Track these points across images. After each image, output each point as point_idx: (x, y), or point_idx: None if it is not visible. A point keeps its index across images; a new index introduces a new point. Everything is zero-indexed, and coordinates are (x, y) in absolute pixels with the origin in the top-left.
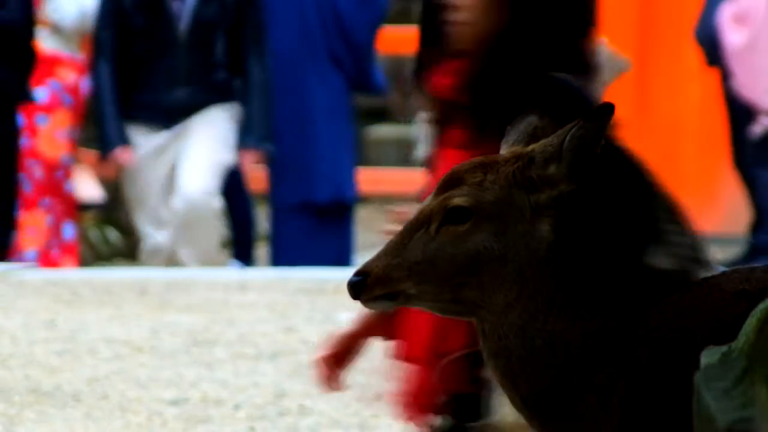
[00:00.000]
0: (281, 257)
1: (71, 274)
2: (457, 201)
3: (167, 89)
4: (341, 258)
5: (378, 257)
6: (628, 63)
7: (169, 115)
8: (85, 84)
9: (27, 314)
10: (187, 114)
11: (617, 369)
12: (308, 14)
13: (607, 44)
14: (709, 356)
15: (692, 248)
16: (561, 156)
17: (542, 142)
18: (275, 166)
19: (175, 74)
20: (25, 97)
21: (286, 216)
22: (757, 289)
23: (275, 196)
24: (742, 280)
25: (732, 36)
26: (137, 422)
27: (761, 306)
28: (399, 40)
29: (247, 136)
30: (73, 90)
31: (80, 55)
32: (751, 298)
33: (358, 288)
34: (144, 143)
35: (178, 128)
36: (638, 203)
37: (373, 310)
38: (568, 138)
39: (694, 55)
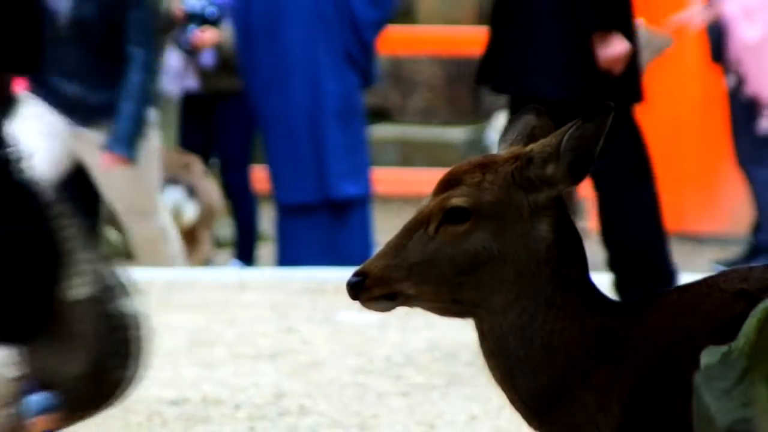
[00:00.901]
0: (293, 258)
1: None
2: (456, 201)
3: (60, 84)
4: (362, 253)
5: (377, 258)
6: (668, 40)
7: (66, 109)
8: None
9: None
10: (82, 110)
11: (616, 369)
12: (325, 11)
13: (644, 24)
14: (709, 356)
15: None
16: (559, 156)
17: (541, 142)
18: (290, 164)
19: (64, 69)
20: None
21: (300, 215)
22: (756, 289)
23: (288, 195)
24: (740, 280)
25: (744, 31)
26: (137, 422)
27: (761, 306)
28: (399, 40)
29: (110, 139)
30: None
31: None
32: (750, 298)
33: (357, 288)
34: None
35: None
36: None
37: (372, 311)
38: (566, 138)
39: (694, 53)
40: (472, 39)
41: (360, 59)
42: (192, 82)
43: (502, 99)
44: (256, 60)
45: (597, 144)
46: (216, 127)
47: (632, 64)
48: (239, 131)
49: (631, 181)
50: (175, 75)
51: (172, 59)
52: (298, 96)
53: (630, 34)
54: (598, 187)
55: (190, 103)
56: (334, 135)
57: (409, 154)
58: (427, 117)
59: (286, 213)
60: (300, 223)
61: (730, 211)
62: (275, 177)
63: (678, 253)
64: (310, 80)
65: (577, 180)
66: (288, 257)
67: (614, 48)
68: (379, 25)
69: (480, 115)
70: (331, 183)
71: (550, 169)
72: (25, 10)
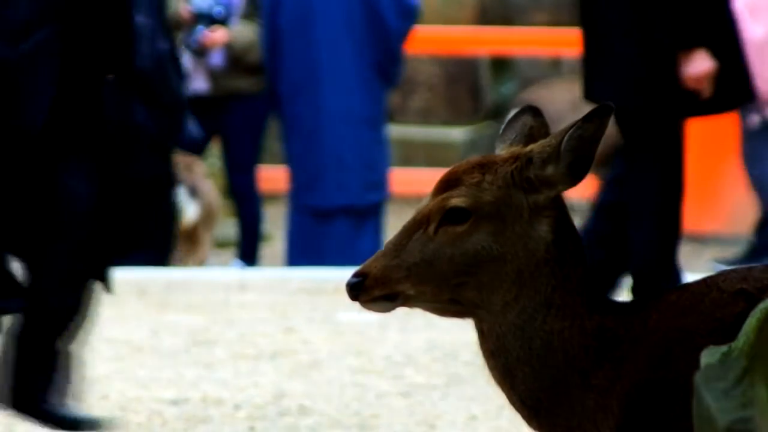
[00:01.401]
0: (308, 260)
1: None
2: (456, 201)
3: None
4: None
5: (377, 258)
6: None
7: None
8: None
9: None
10: None
11: (616, 369)
12: (356, 20)
13: None
14: (709, 356)
15: None
16: (559, 156)
17: (541, 142)
18: (314, 168)
19: None
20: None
21: (320, 219)
22: (756, 289)
23: (310, 198)
24: (740, 280)
25: (750, 28)
26: (137, 422)
27: (761, 306)
28: None
29: None
30: None
31: None
32: (750, 298)
33: (357, 289)
34: None
35: None
36: None
37: (372, 311)
38: (566, 138)
39: None
40: (472, 39)
41: (387, 68)
42: (201, 84)
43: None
44: (284, 62)
45: (596, 144)
46: (224, 128)
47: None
48: (248, 132)
49: (661, 194)
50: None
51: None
52: (326, 101)
53: (723, 48)
54: (624, 192)
55: (196, 104)
56: (359, 142)
57: (409, 154)
58: (427, 117)
59: (306, 215)
60: (319, 226)
61: (731, 211)
62: (297, 179)
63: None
64: (339, 87)
65: (577, 180)
66: (302, 259)
67: (696, 66)
68: (406, 35)
69: (480, 115)
70: (354, 190)
71: (549, 169)
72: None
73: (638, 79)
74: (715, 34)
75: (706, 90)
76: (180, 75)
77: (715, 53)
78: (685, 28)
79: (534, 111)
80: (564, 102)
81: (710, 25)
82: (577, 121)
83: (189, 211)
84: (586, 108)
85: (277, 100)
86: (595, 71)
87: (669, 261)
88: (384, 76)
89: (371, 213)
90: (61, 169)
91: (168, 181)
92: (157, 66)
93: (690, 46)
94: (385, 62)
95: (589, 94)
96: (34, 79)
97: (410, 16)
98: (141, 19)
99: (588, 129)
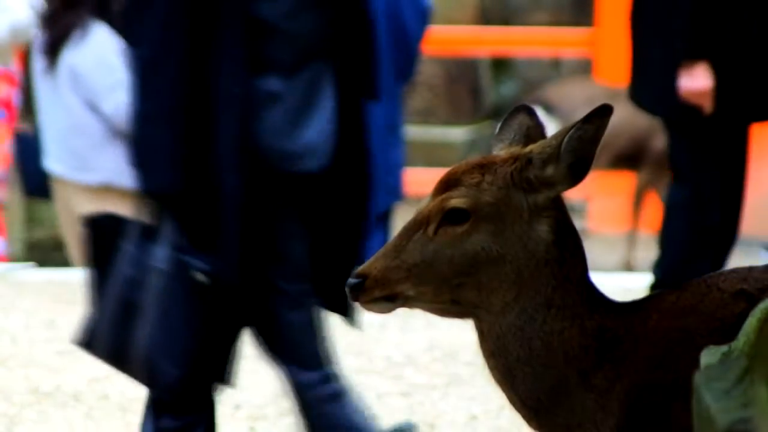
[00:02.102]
0: None
1: (71, 274)
2: (455, 202)
3: None
4: None
5: (376, 259)
6: None
7: None
8: (17, 97)
9: (27, 314)
10: None
11: (616, 369)
12: (381, 27)
13: None
14: (709, 356)
15: None
16: (559, 157)
17: (540, 143)
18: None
19: None
20: None
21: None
22: (756, 289)
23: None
24: (740, 280)
25: None
26: (137, 422)
27: (761, 306)
28: None
29: None
30: (6, 104)
31: (13, 68)
32: (750, 298)
33: (357, 290)
34: None
35: None
36: None
37: (372, 312)
38: (566, 139)
39: None
40: (472, 39)
41: (407, 73)
42: None
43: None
44: None
45: (596, 145)
46: None
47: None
48: None
49: (720, 199)
50: None
51: None
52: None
53: (731, 64)
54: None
55: None
56: (382, 149)
57: (409, 154)
58: (427, 117)
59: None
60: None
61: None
62: None
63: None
64: None
65: (577, 181)
66: None
67: (694, 81)
68: (423, 37)
69: (480, 115)
70: (378, 198)
71: (549, 170)
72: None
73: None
74: (730, 45)
75: (707, 106)
76: None
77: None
78: (692, 40)
79: (529, 110)
80: (578, 99)
81: (725, 36)
82: (577, 122)
83: None
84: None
85: None
86: (639, 75)
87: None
88: (404, 80)
89: (386, 217)
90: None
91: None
92: None
93: (693, 58)
94: (406, 67)
95: (633, 97)
96: (310, 110)
97: (426, 19)
98: None
99: (588, 130)
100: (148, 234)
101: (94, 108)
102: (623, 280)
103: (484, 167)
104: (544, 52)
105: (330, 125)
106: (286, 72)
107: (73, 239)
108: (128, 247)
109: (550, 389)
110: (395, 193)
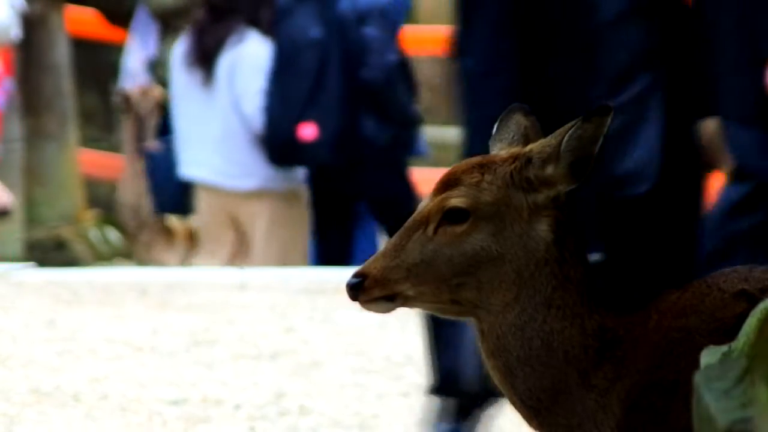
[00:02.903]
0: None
1: (71, 274)
2: (455, 202)
3: None
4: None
5: (376, 259)
6: None
7: None
8: (3, 92)
9: (27, 314)
10: None
11: (616, 369)
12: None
13: None
14: (709, 356)
15: None
16: (559, 156)
17: (540, 142)
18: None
19: None
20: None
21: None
22: (757, 289)
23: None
24: (741, 280)
25: None
26: (137, 422)
27: (761, 306)
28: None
29: None
30: None
31: None
32: (751, 298)
33: (356, 290)
34: None
35: None
36: None
37: (372, 312)
38: (566, 138)
39: None
40: None
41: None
42: None
43: None
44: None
45: (596, 144)
46: None
47: None
48: None
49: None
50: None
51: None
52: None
53: None
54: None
55: None
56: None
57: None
58: (427, 117)
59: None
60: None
61: None
62: None
63: None
64: None
65: (577, 180)
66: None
67: None
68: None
69: None
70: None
71: (549, 169)
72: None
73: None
74: None
75: None
76: (411, 88)
77: None
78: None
79: (524, 110)
80: None
81: None
82: (577, 121)
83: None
84: None
85: None
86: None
87: None
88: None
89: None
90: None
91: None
92: (385, 78)
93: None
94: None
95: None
96: (639, 126)
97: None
98: (370, 31)
99: (588, 129)
100: None
101: (237, 110)
102: None
103: (483, 167)
104: None
105: (658, 142)
106: (613, 85)
107: (223, 247)
108: None
109: (551, 389)
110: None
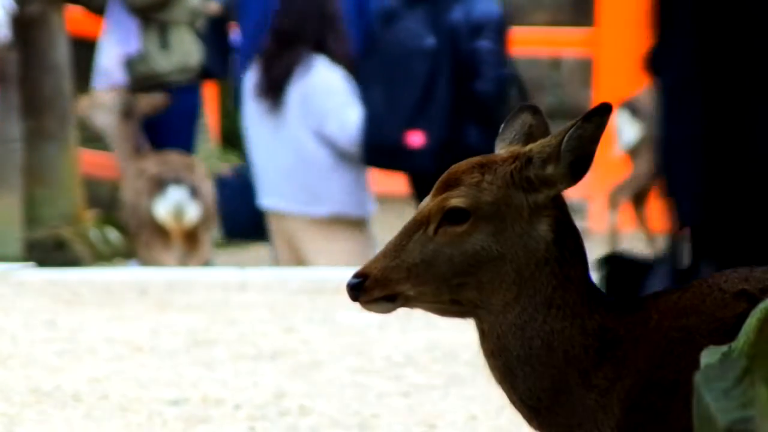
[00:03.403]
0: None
1: (71, 274)
2: (455, 202)
3: None
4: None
5: (376, 259)
6: None
7: None
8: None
9: (27, 314)
10: None
11: (616, 368)
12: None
13: None
14: (709, 356)
15: None
16: (559, 156)
17: (540, 142)
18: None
19: None
20: None
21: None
22: (757, 289)
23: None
24: (741, 281)
25: None
26: (137, 422)
27: (761, 306)
28: None
29: None
30: None
31: None
32: (751, 298)
33: (357, 290)
34: None
35: None
36: None
37: (372, 312)
38: (566, 138)
39: None
40: None
41: None
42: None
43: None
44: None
45: (596, 144)
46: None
47: None
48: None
49: None
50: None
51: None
52: None
53: None
54: None
55: None
56: None
57: None
58: None
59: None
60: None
61: None
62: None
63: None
64: None
65: (577, 179)
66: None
67: None
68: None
69: None
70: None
71: (549, 169)
72: None
73: None
74: None
75: None
76: (526, 100)
77: None
78: None
79: (533, 109)
80: None
81: None
82: (577, 121)
83: (190, 211)
84: None
85: None
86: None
87: None
88: None
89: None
90: None
91: None
92: (497, 91)
93: None
94: None
95: None
96: None
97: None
98: (485, 44)
99: (588, 129)
100: (678, 275)
101: (319, 134)
102: None
103: (484, 167)
104: (544, 52)
105: None
106: None
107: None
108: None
109: (551, 389)
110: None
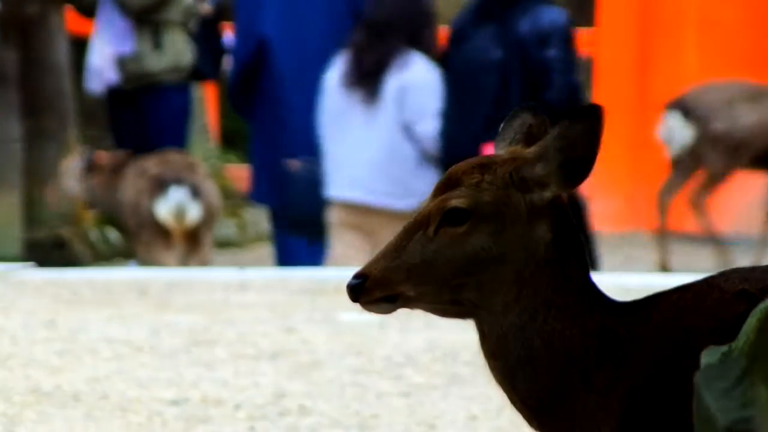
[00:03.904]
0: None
1: (71, 274)
2: (455, 202)
3: None
4: None
5: (377, 259)
6: None
7: None
8: None
9: (27, 314)
10: None
11: (616, 369)
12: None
13: None
14: (709, 356)
15: None
16: (548, 156)
17: (538, 142)
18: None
19: None
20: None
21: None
22: (757, 289)
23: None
24: (741, 280)
25: None
26: (137, 422)
27: (761, 306)
28: None
29: None
30: None
31: None
32: (751, 298)
33: (357, 290)
34: None
35: None
36: None
37: (372, 313)
38: (552, 138)
39: (693, 50)
40: None
41: None
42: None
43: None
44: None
45: (589, 146)
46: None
47: None
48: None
49: None
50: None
51: (95, 56)
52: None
53: None
54: None
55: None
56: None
57: None
58: None
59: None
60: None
61: (734, 211)
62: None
63: (678, 253)
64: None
65: (572, 182)
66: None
67: None
68: None
69: None
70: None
71: (539, 169)
72: None
73: None
74: None
75: None
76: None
77: None
78: None
79: (533, 109)
80: (717, 101)
81: None
82: (564, 121)
83: (192, 211)
84: (742, 106)
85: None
86: None
87: None
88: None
89: None
90: None
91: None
92: (568, 98)
93: None
94: None
95: None
96: None
97: None
98: (553, 53)
99: (575, 129)
100: None
101: (409, 130)
102: (623, 280)
103: (483, 167)
104: None
105: None
106: None
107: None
108: None
109: (551, 389)
110: None
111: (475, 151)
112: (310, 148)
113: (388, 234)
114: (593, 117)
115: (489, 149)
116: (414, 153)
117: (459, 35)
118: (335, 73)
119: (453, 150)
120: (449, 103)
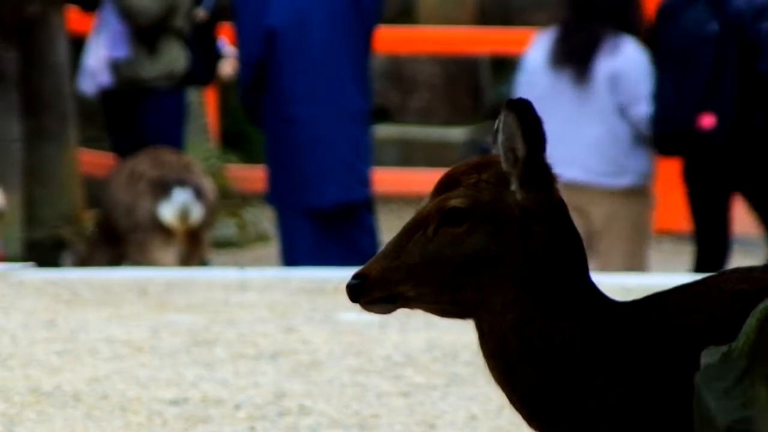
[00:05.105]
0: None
1: (71, 274)
2: (454, 202)
3: None
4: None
5: (376, 260)
6: None
7: None
8: None
9: (27, 314)
10: None
11: (616, 369)
12: (346, 19)
13: None
14: (709, 356)
15: None
16: (505, 154)
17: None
18: (318, 169)
19: None
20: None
21: (327, 219)
22: (756, 290)
23: (318, 199)
24: (740, 281)
25: None
26: (137, 422)
27: (761, 306)
28: (399, 40)
29: None
30: None
31: None
32: (750, 299)
33: (356, 291)
34: None
35: None
36: None
37: (372, 313)
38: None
39: None
40: (472, 39)
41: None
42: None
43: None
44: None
45: (526, 142)
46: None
47: None
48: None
49: None
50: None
51: (91, 58)
52: (326, 103)
53: None
54: None
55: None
56: (360, 140)
57: (409, 154)
58: (426, 117)
59: (304, 217)
60: (320, 227)
61: (734, 211)
62: (304, 181)
63: (678, 253)
64: (337, 87)
65: (536, 181)
66: (305, 260)
67: None
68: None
69: (480, 115)
70: (354, 187)
71: (505, 165)
72: None
73: None
74: None
75: None
76: None
77: None
78: None
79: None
80: None
81: None
82: (500, 114)
83: (195, 212)
84: None
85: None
86: None
87: None
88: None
89: (367, 208)
90: None
91: None
92: None
93: None
94: (368, 52)
95: None
96: None
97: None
98: (767, 26)
99: (508, 123)
100: None
101: (623, 113)
102: (623, 280)
103: (482, 167)
104: None
105: None
106: None
107: None
108: None
109: (550, 389)
110: (368, 184)
111: (691, 126)
112: (320, 142)
113: (600, 213)
114: (519, 112)
115: (705, 119)
116: (629, 133)
117: (669, 12)
118: (538, 52)
119: (668, 127)
120: (661, 80)
